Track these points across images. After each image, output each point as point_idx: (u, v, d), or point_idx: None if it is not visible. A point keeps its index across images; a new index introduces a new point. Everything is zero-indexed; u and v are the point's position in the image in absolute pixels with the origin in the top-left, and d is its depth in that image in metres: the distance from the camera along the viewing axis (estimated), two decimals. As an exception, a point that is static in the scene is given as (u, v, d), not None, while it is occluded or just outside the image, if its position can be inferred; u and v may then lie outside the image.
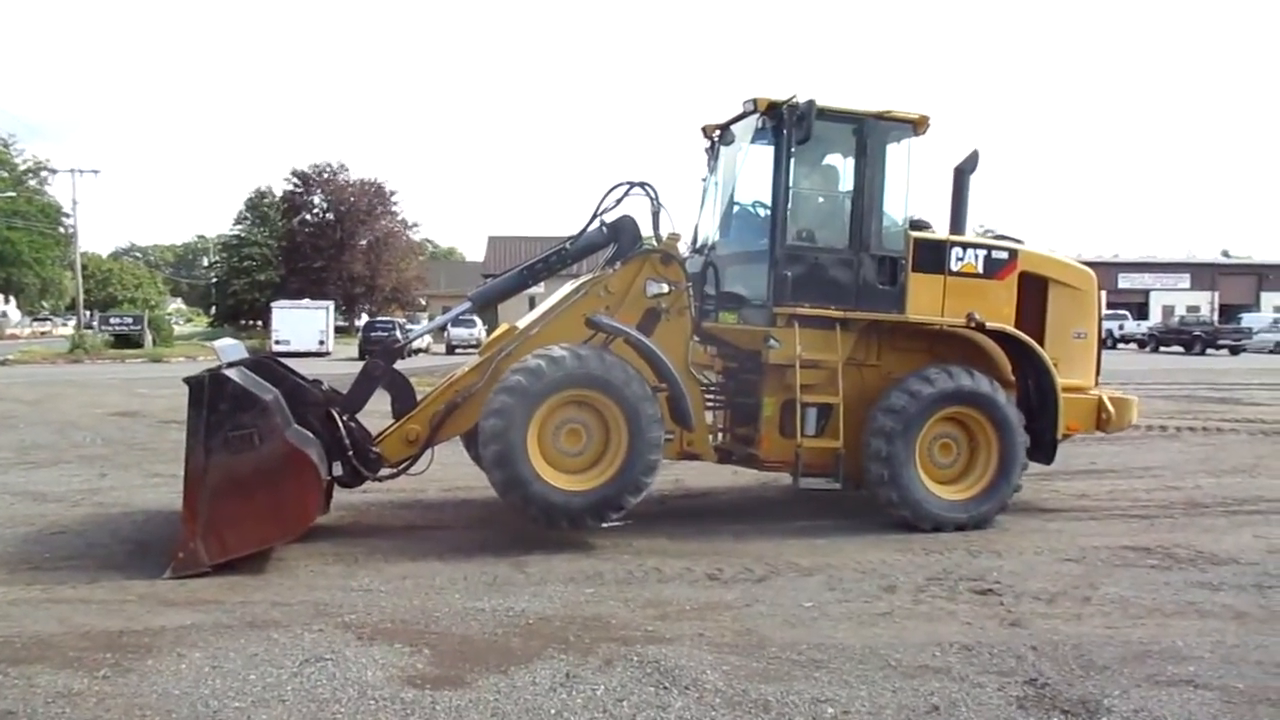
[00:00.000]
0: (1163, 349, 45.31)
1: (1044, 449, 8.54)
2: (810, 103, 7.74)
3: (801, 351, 7.87)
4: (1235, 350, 42.79)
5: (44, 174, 62.42)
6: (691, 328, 8.19)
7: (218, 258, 77.74)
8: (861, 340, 8.31)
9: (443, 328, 38.03)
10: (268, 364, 7.83)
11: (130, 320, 47.09)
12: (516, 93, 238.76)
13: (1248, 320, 48.28)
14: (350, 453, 7.50)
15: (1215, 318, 55.76)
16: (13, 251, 61.99)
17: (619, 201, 8.31)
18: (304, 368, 8.93)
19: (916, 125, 8.25)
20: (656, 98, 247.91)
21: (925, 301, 8.16)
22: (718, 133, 8.93)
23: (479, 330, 40.97)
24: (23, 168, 62.83)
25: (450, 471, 9.43)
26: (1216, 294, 65.38)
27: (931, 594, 6.29)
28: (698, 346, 8.50)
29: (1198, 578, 6.68)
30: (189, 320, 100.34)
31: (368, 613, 5.78)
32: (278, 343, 41.14)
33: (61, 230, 62.83)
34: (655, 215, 8.27)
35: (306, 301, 47.72)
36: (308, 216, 67.49)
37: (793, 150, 7.91)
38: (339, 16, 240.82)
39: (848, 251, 8.14)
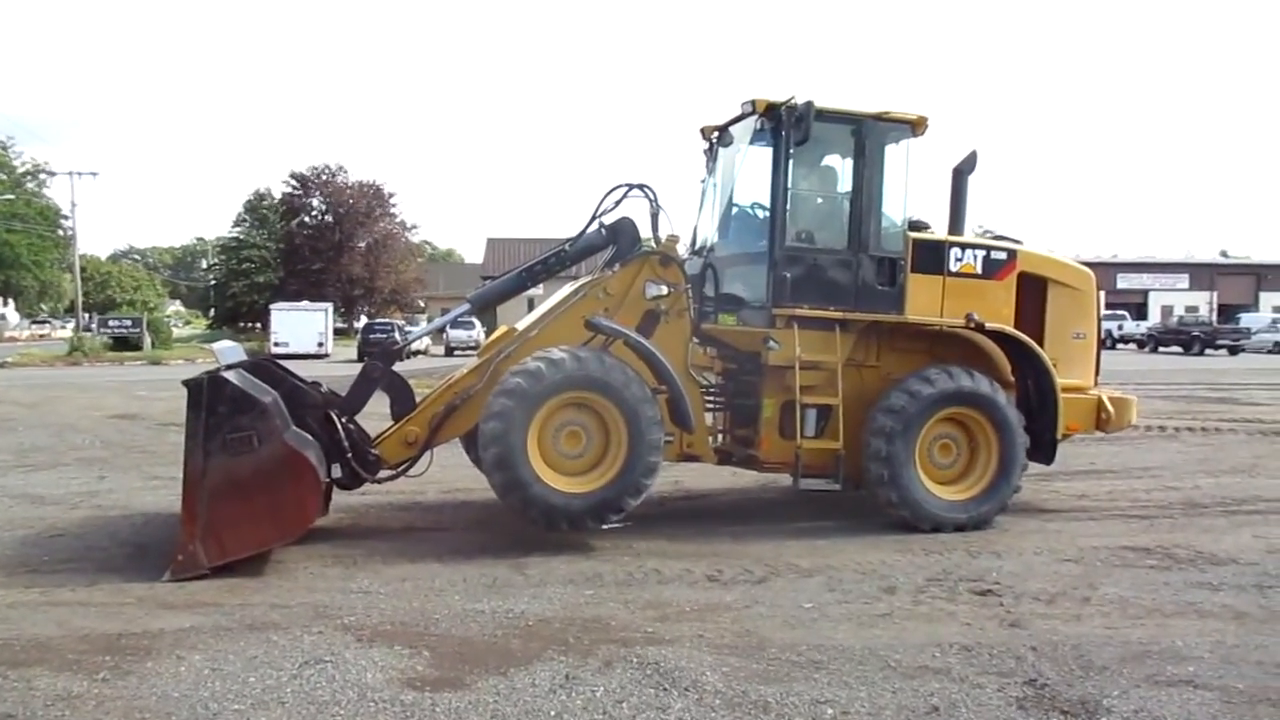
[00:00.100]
0: (1161, 349, 45.34)
1: (1044, 449, 8.55)
2: (809, 104, 7.74)
3: (801, 353, 7.88)
4: (1234, 350, 42.81)
5: (42, 176, 62.67)
6: (691, 329, 8.19)
7: (216, 260, 77.62)
8: (861, 341, 8.31)
9: (442, 329, 38.09)
10: (266, 366, 7.83)
11: (129, 322, 47.20)
12: (515, 94, 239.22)
13: (1246, 320, 48.26)
14: (349, 455, 7.50)
15: (1214, 318, 55.77)
16: (11, 254, 62.03)
17: (618, 203, 8.32)
18: (303, 370, 8.92)
19: (915, 126, 8.25)
20: (655, 99, 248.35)
21: (924, 302, 8.16)
22: (716, 134, 8.92)
23: (478, 332, 40.88)
24: (21, 170, 62.98)
25: (449, 473, 9.42)
26: (1215, 294, 65.38)
27: (931, 595, 6.29)
28: (697, 348, 8.49)
29: (1197, 578, 6.68)
30: (188, 322, 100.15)
31: (367, 615, 5.78)
32: (276, 345, 41.14)
33: (60, 232, 62.95)
34: (654, 217, 8.28)
35: (305, 304, 47.75)
36: (306, 218, 67.54)
37: (791, 151, 7.91)
38: (338, 19, 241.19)
39: (847, 252, 8.14)
